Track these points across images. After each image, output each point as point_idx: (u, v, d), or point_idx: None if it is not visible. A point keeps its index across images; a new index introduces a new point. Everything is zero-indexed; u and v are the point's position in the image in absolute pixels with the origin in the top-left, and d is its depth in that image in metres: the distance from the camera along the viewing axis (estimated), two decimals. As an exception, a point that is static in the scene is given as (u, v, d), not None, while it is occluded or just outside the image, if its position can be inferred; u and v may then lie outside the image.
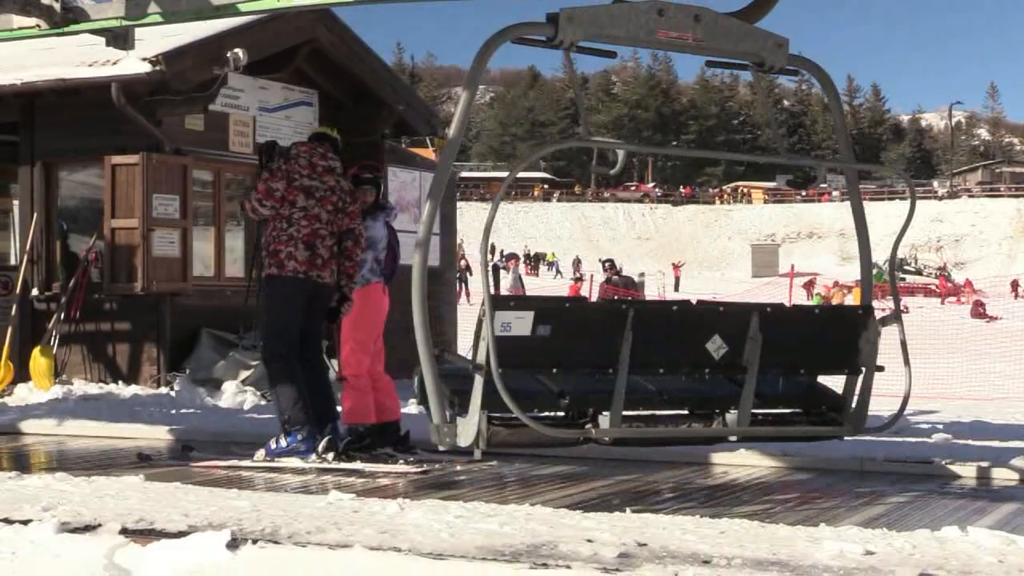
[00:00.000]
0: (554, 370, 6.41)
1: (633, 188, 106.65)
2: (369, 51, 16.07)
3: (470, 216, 76.10)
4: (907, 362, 7.16)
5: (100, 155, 13.52)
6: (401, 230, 16.27)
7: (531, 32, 6.39)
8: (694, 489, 7.43)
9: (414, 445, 8.57)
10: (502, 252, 67.26)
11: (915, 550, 4.94)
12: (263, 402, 12.49)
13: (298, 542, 5.19)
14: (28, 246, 14.22)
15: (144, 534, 5.44)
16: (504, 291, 21.32)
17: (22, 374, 13.42)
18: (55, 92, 13.63)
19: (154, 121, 13.36)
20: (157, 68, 12.73)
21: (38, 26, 8.64)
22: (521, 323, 6.23)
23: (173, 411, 11.67)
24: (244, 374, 13.36)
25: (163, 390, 13.07)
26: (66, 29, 8.62)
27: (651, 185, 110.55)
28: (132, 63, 12.66)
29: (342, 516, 5.75)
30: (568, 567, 4.62)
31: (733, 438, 7.12)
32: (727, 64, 7.20)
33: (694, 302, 7.15)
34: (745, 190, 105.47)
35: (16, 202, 15.18)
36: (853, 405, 7.23)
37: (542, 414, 6.69)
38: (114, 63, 12.87)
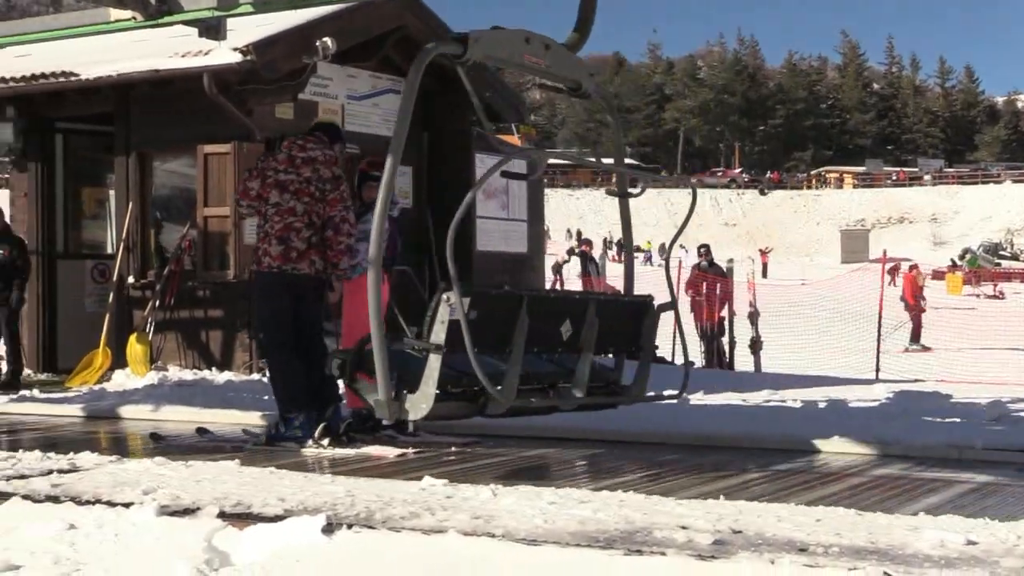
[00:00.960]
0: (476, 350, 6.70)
1: (720, 174, 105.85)
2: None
3: (555, 203, 76.16)
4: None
5: (192, 144, 13.70)
6: (488, 216, 16.45)
7: (447, 49, 7.45)
8: (786, 476, 7.35)
9: (417, 427, 8.76)
10: (579, 235, 67.19)
11: (1020, 540, 4.84)
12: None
13: (392, 527, 5.22)
14: (124, 235, 14.45)
15: (241, 518, 5.51)
16: (576, 277, 21.22)
17: (119, 360, 13.65)
18: (149, 83, 13.82)
19: (245, 110, 13.50)
20: (248, 58, 12.86)
21: (134, 18, 8.79)
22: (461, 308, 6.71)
23: (265, 397, 11.78)
24: (337, 360, 13.44)
25: (255, 376, 13.22)
26: (160, 21, 8.75)
27: (738, 170, 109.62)
28: (224, 53, 12.80)
29: (436, 501, 5.78)
30: (663, 554, 4.60)
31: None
32: (551, 88, 8.38)
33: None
34: (835, 174, 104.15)
35: (112, 192, 15.45)
36: (634, 379, 8.12)
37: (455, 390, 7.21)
38: (206, 53, 13.02)
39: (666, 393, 8.54)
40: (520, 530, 5.06)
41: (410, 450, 8.31)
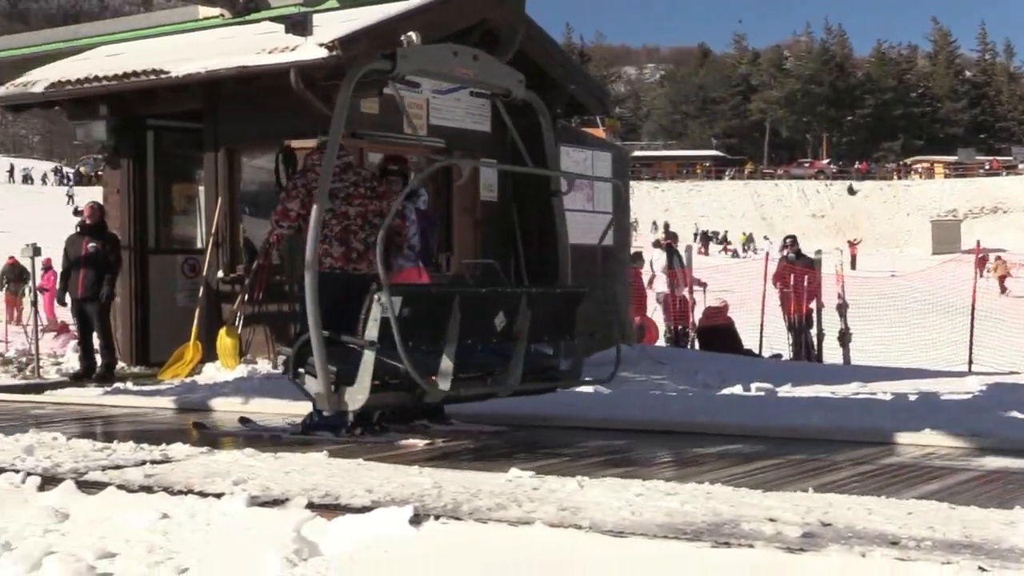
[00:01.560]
0: (410, 343, 7.34)
1: (807, 165, 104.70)
2: (540, 31, 16.09)
3: (639, 196, 75.85)
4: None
5: (279, 140, 13.82)
6: (575, 209, 16.40)
7: (377, 66, 7.95)
8: (876, 469, 7.24)
9: (450, 416, 9.08)
10: (666, 227, 66.76)
11: (1121, 535, 4.73)
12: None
13: (479, 518, 5.24)
14: (213, 230, 14.65)
15: (329, 508, 5.56)
16: (659, 272, 21.16)
17: (209, 354, 13.84)
18: (236, 80, 13.98)
19: (331, 105, 13.56)
20: (333, 53, 12.95)
21: (222, 15, 8.91)
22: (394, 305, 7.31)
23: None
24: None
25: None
26: (247, 17, 8.87)
27: (825, 161, 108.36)
28: (309, 49, 12.91)
29: (522, 493, 5.79)
30: (751, 546, 4.56)
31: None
32: (483, 95, 9.21)
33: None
34: (925, 164, 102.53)
35: (201, 188, 15.67)
36: (570, 364, 8.82)
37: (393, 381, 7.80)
38: (292, 49, 13.14)
39: (596, 378, 9.21)
40: (607, 522, 5.05)
41: (439, 440, 8.44)
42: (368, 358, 7.39)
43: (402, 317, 7.23)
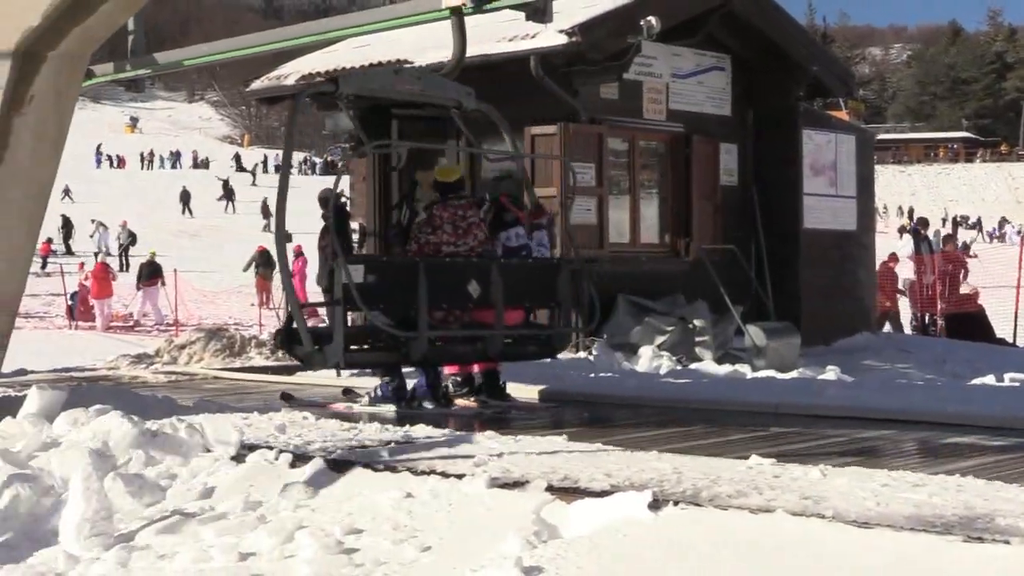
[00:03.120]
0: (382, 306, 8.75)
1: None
2: (781, 12, 15.79)
3: (885, 180, 73.60)
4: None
5: (519, 126, 13.96)
6: (816, 193, 16.06)
7: (321, 88, 9.29)
8: None
9: (509, 395, 9.97)
10: (911, 212, 64.60)
11: None
12: (678, 367, 12.59)
13: (719, 505, 5.18)
14: (455, 216, 14.88)
15: (569, 492, 5.60)
16: (905, 258, 20.51)
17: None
18: (478, 68, 14.15)
19: (570, 91, 13.66)
20: (573, 39, 12.99)
21: (463, 5, 9.03)
22: (357, 273, 8.38)
23: (592, 374, 11.94)
24: (660, 339, 13.50)
25: (582, 354, 13.39)
26: (488, 6, 8.96)
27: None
28: (549, 36, 12.98)
29: (763, 480, 5.70)
30: (1006, 542, 4.37)
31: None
32: (435, 106, 9.90)
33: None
34: None
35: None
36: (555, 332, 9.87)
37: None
38: (532, 37, 13.24)
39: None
40: (851, 512, 4.92)
41: (488, 411, 9.55)
42: (338, 315, 8.54)
43: (368, 284, 8.36)
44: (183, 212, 61.29)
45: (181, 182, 67.95)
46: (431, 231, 9.39)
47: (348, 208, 15.02)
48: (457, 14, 9.23)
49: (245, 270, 34.41)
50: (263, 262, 32.97)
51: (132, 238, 45.30)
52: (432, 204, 9.71)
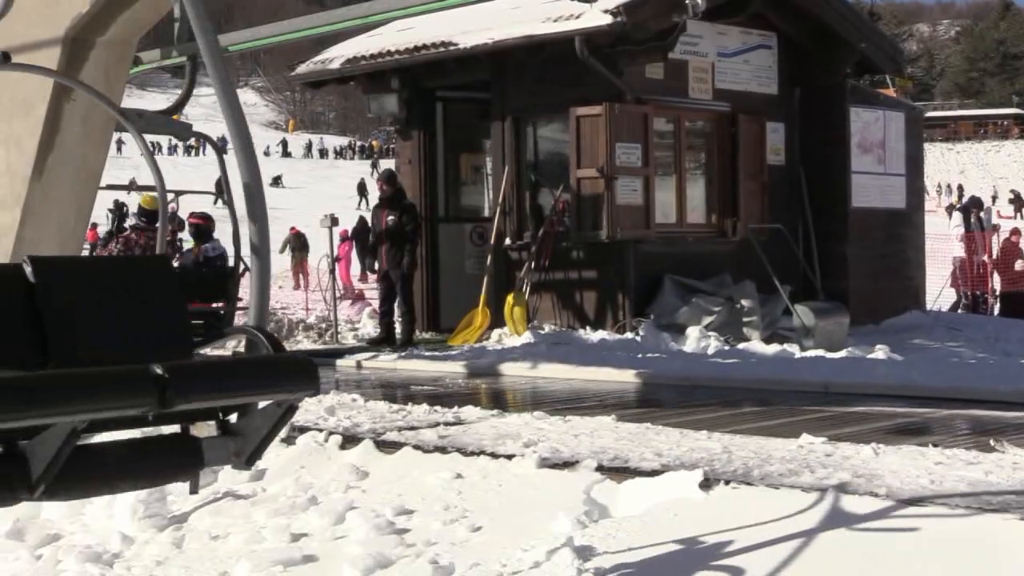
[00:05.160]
0: None
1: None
2: (829, -12, 15.64)
3: (933, 157, 72.84)
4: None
5: (564, 107, 13.93)
6: (864, 171, 15.92)
7: None
8: None
9: None
10: (960, 190, 63.85)
11: None
12: (726, 347, 12.53)
13: (771, 484, 5.16)
14: (500, 198, 14.89)
15: (618, 471, 5.59)
16: (955, 239, 20.28)
17: (498, 320, 14.11)
18: (523, 49, 14.14)
19: (615, 71, 13.59)
20: (618, 19, 12.91)
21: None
22: None
23: (639, 355, 11.91)
24: (707, 319, 13.45)
25: (628, 335, 13.36)
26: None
27: None
28: (594, 16, 12.92)
29: (815, 459, 5.67)
30: (1064, 520, 4.32)
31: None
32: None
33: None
34: None
35: (488, 157, 15.95)
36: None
37: None
38: (577, 17, 13.18)
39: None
40: (904, 490, 4.88)
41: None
42: None
43: None
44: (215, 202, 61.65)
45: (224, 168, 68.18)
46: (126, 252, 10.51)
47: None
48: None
49: (281, 251, 34.58)
50: (298, 245, 33.11)
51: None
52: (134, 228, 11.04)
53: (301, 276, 32.88)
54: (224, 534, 5.51)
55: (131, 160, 79.44)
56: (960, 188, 71.06)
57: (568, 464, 5.77)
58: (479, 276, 14.73)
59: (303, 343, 15.03)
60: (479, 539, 5.11)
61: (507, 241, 14.87)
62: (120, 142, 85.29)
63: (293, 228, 34.16)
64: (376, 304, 15.52)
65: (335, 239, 17.51)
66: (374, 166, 72.00)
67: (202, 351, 4.77)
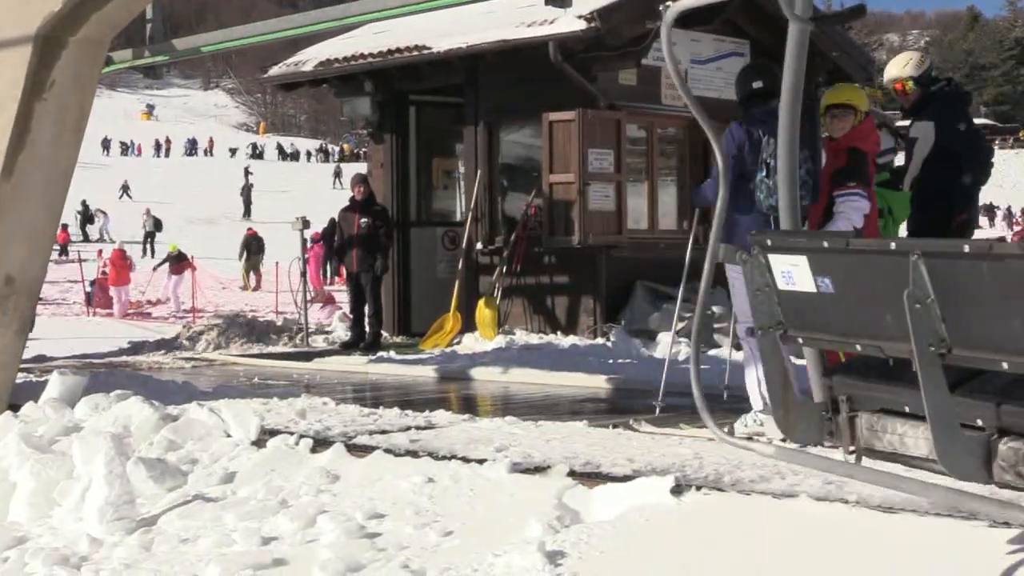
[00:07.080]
0: None
1: None
2: (802, -2, 15.69)
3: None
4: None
5: (537, 113, 13.94)
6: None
7: None
8: None
9: None
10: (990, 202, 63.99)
11: None
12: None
13: (742, 490, 5.17)
14: (472, 203, 14.88)
15: (590, 477, 5.59)
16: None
17: (469, 324, 14.10)
18: (496, 53, 14.14)
19: (589, 77, 13.61)
20: (592, 25, 12.94)
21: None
22: None
23: (610, 361, 11.93)
24: (678, 325, 13.45)
25: (599, 340, 13.38)
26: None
27: None
28: (568, 21, 12.94)
29: (785, 466, 5.66)
30: (1034, 527, 4.34)
31: None
32: None
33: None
34: None
35: (461, 161, 15.94)
36: None
37: None
38: (551, 22, 13.20)
39: None
40: (875, 496, 4.89)
41: None
42: None
43: None
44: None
45: (197, 170, 68.06)
46: None
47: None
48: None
49: (241, 257, 34.46)
50: (255, 248, 33.35)
51: (157, 225, 45.42)
52: None
53: (253, 277, 33.06)
54: (194, 537, 5.48)
55: (115, 161, 79.49)
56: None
57: (540, 469, 5.76)
58: (450, 281, 14.72)
59: (274, 346, 14.96)
60: (450, 544, 5.10)
61: (479, 246, 14.86)
62: (106, 142, 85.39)
63: (250, 229, 34.38)
64: (347, 307, 15.49)
65: (307, 242, 17.46)
66: (337, 174, 71.70)
67: None
